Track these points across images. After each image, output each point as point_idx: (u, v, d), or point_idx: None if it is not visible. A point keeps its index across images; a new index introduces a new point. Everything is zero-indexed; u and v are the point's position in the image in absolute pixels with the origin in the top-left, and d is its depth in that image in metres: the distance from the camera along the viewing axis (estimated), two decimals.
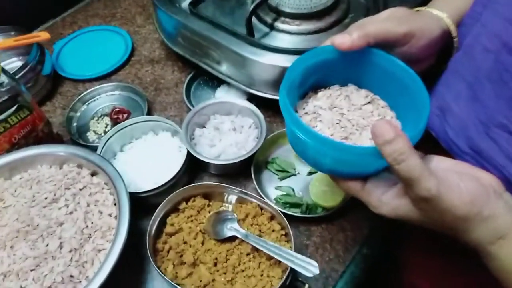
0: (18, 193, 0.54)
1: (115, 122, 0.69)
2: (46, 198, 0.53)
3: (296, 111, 0.42)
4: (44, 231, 0.50)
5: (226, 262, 0.53)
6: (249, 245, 0.52)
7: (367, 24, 0.40)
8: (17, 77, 0.68)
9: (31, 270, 0.47)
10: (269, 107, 0.67)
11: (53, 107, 0.74)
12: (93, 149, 0.62)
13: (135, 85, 0.75)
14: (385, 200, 0.36)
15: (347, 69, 0.42)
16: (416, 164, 0.31)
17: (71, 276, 0.48)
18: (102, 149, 0.62)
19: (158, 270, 0.50)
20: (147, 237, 0.52)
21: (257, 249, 0.52)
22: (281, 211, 0.55)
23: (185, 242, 0.54)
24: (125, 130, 0.65)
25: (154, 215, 0.54)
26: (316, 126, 0.40)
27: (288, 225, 0.53)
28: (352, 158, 0.34)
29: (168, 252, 0.53)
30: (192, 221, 0.56)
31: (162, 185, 0.57)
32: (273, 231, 0.55)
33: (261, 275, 0.51)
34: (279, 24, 0.67)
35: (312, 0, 0.65)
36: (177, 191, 0.56)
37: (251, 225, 0.56)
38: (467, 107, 0.43)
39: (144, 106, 0.71)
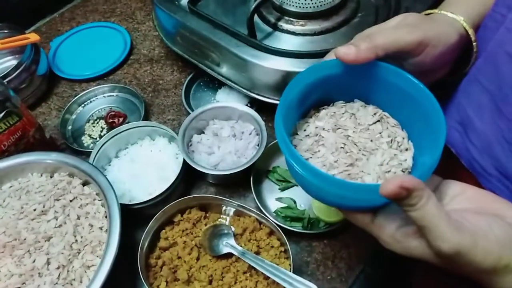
0: (6, 204, 0.52)
1: (110, 126, 0.66)
2: (35, 210, 0.51)
3: (297, 133, 0.39)
4: (31, 246, 0.48)
5: (221, 280, 0.50)
6: (246, 262, 0.50)
7: (375, 34, 0.35)
8: (11, 77, 0.66)
9: None
10: (271, 112, 0.63)
11: (48, 109, 0.72)
12: (87, 154, 0.59)
13: (132, 87, 0.72)
14: (399, 238, 0.31)
15: (352, 85, 0.38)
16: (430, 212, 0.27)
17: None
18: (96, 156, 0.59)
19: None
20: (138, 252, 0.50)
21: (254, 267, 0.49)
22: (281, 226, 0.52)
23: (179, 257, 0.52)
24: (120, 135, 0.62)
25: (147, 229, 0.51)
26: (319, 151, 0.37)
27: (287, 242, 0.50)
28: (358, 195, 0.30)
29: (161, 268, 0.51)
30: (187, 234, 0.54)
31: (157, 196, 0.54)
32: (272, 247, 0.52)
33: None
34: (283, 24, 0.63)
35: None
36: (172, 203, 0.53)
37: (249, 240, 0.53)
38: (491, 122, 0.39)
39: (141, 109, 0.68)
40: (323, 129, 0.38)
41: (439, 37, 0.38)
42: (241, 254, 0.50)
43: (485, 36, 0.41)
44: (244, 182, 0.58)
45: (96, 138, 0.67)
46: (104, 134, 0.61)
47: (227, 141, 0.61)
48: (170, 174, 0.58)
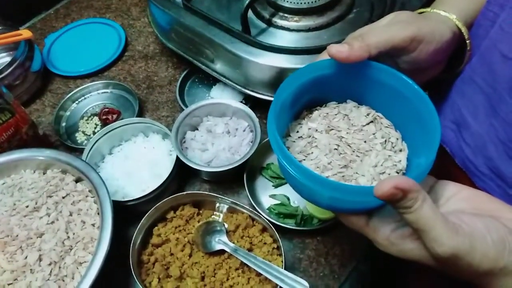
0: None
1: (104, 123, 0.66)
2: (27, 207, 0.51)
3: (289, 135, 0.38)
4: (24, 243, 0.48)
5: (214, 277, 0.50)
6: (239, 259, 0.50)
7: (367, 33, 0.35)
8: (4, 74, 0.66)
9: (8, 284, 0.45)
10: (265, 109, 0.63)
11: (42, 106, 0.72)
12: (81, 151, 0.59)
13: (127, 83, 0.72)
14: (394, 240, 0.31)
15: (344, 86, 0.38)
16: (426, 215, 0.27)
17: None
18: (89, 152, 0.59)
19: (141, 284, 0.48)
20: (130, 249, 0.50)
21: (247, 264, 0.49)
22: (273, 223, 0.52)
23: (171, 254, 0.52)
24: (114, 132, 0.62)
25: (139, 225, 0.51)
26: (312, 153, 0.36)
27: (280, 239, 0.50)
28: (352, 198, 0.30)
29: (153, 264, 0.51)
30: (180, 231, 0.54)
31: (150, 193, 0.54)
32: (264, 243, 0.52)
33: None
34: (277, 20, 0.63)
35: None
36: (165, 199, 0.53)
37: (242, 237, 0.53)
38: (486, 122, 0.38)
39: (135, 105, 0.68)
40: (316, 130, 0.38)
41: (433, 33, 0.37)
42: (233, 251, 0.50)
43: (478, 35, 0.40)
44: (237, 179, 0.58)
45: (90, 135, 0.67)
46: (98, 131, 0.61)
47: (221, 137, 0.61)
48: (163, 171, 0.58)
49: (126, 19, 0.84)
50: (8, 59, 0.74)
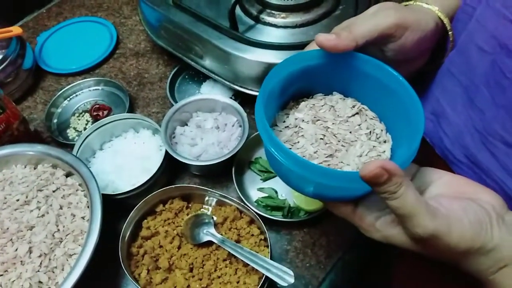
0: None
1: (95, 119, 0.67)
2: (18, 200, 0.52)
3: (276, 124, 0.39)
4: (14, 235, 0.49)
5: (202, 268, 0.51)
6: (226, 250, 0.51)
7: (354, 24, 0.36)
8: None
9: None
10: (254, 104, 0.64)
11: (34, 103, 0.72)
12: (72, 147, 0.60)
13: (118, 80, 0.73)
14: (378, 227, 0.33)
15: (331, 77, 0.39)
16: (411, 201, 0.28)
17: (40, 282, 0.46)
18: (79, 148, 0.60)
19: (130, 276, 0.49)
20: (119, 241, 0.51)
21: (234, 255, 0.50)
22: (261, 215, 0.53)
23: (160, 246, 0.53)
24: (105, 127, 0.62)
25: (128, 218, 0.52)
26: (298, 142, 0.37)
27: (267, 230, 0.51)
28: (339, 183, 0.31)
29: (143, 256, 0.52)
30: (169, 224, 0.55)
31: (139, 187, 0.55)
32: (252, 235, 0.53)
33: (238, 282, 0.50)
34: (264, 17, 0.64)
35: None
36: (154, 193, 0.54)
37: (230, 229, 0.54)
38: (464, 113, 0.39)
39: (126, 102, 0.69)
40: (303, 120, 0.38)
41: (418, 22, 0.38)
42: (221, 242, 0.51)
43: (457, 29, 0.41)
44: (226, 173, 0.59)
45: (81, 131, 0.68)
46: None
47: (210, 132, 0.62)
48: (153, 165, 0.58)
49: (117, 18, 0.85)
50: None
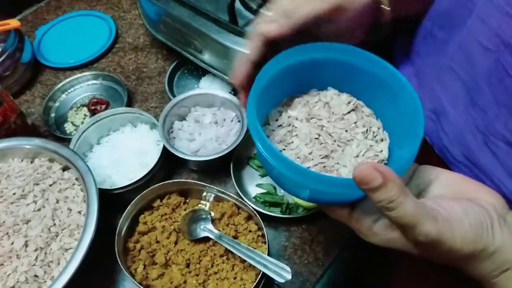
0: None
1: (93, 113, 0.66)
2: (14, 194, 0.51)
3: (269, 123, 0.37)
4: (10, 229, 0.49)
5: (199, 264, 0.51)
6: (223, 246, 0.50)
7: (291, 10, 0.36)
8: None
9: None
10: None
11: (32, 97, 0.72)
12: (70, 141, 0.59)
13: (116, 75, 0.72)
14: (376, 230, 0.31)
15: (326, 71, 0.38)
16: (410, 211, 0.27)
17: (36, 276, 0.46)
18: (76, 142, 0.59)
19: (126, 271, 0.48)
20: (116, 236, 0.50)
21: (231, 251, 0.50)
22: (259, 211, 0.53)
23: (157, 242, 0.53)
24: (102, 121, 0.62)
25: (124, 213, 0.52)
26: (292, 142, 0.35)
27: (265, 227, 0.50)
28: (334, 190, 0.29)
29: (139, 251, 0.52)
30: (166, 219, 0.54)
31: (136, 181, 0.55)
32: (249, 231, 0.53)
33: (234, 278, 0.49)
34: (264, 11, 0.63)
35: None
36: (151, 187, 0.54)
37: (227, 224, 0.53)
38: (465, 112, 0.38)
39: (124, 96, 0.68)
40: (296, 118, 0.37)
41: (351, 1, 0.37)
42: (218, 238, 0.50)
43: (455, 22, 0.40)
44: (224, 169, 0.59)
45: (78, 125, 0.67)
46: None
47: (209, 127, 0.61)
48: (151, 160, 0.58)
49: (117, 12, 0.85)
50: None
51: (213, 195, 0.56)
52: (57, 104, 0.70)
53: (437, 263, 0.33)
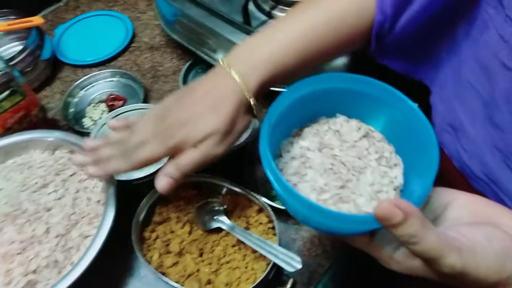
0: (10, 177, 0.55)
1: (110, 109, 0.69)
2: (36, 183, 0.54)
3: (281, 155, 0.37)
4: (32, 216, 0.51)
5: (211, 253, 0.53)
6: (235, 237, 0.52)
7: (182, 160, 0.43)
8: (16, 61, 0.69)
9: (17, 254, 0.48)
10: (266, 97, 0.66)
11: (51, 92, 0.75)
12: (88, 135, 0.62)
13: (132, 72, 0.75)
14: (398, 258, 0.30)
15: (334, 99, 0.38)
16: (433, 245, 0.26)
17: (56, 261, 0.48)
18: (95, 135, 0.62)
19: (143, 258, 0.50)
20: (133, 225, 0.52)
21: (243, 242, 0.52)
22: (269, 205, 0.54)
23: (172, 232, 0.54)
24: (120, 117, 0.64)
25: (141, 204, 0.54)
26: (306, 174, 0.35)
27: (275, 218, 0.52)
28: (354, 226, 0.29)
29: (155, 240, 0.54)
30: (180, 210, 0.56)
31: (152, 174, 0.57)
32: (260, 223, 0.54)
33: (246, 267, 0.51)
34: (277, 13, 0.66)
35: None
36: None
37: (239, 217, 0.55)
38: (482, 129, 0.38)
39: (140, 93, 0.71)
40: (308, 149, 0.37)
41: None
42: (231, 229, 0.52)
43: (472, 35, 0.40)
44: (237, 163, 0.61)
45: (96, 120, 0.70)
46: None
47: None
48: None
49: (133, 12, 0.87)
50: (20, 47, 0.77)
51: (225, 188, 0.58)
52: (76, 99, 0.73)
53: None
